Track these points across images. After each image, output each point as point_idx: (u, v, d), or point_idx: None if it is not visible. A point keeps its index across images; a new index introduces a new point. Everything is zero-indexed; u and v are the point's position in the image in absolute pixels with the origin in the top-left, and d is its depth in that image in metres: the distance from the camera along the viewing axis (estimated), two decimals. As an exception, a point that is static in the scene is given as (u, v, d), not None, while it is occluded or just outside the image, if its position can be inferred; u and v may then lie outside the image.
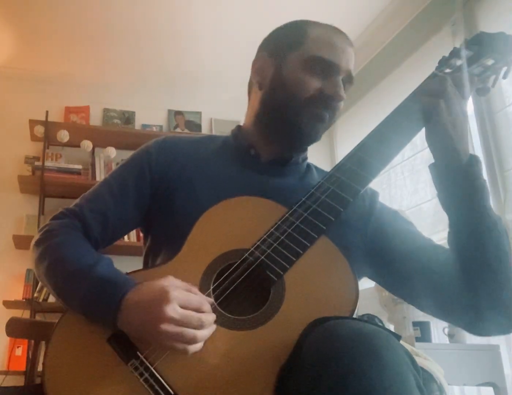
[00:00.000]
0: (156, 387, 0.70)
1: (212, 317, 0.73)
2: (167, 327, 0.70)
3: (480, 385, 1.86)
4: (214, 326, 0.73)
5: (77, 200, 0.97)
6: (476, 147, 2.26)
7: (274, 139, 0.99)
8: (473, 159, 0.85)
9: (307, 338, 0.65)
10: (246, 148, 1.00)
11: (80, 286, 0.79)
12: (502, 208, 2.09)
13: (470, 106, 2.30)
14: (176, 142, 1.03)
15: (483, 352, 1.86)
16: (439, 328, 2.22)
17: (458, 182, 0.84)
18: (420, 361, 1.42)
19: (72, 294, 0.80)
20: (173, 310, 0.70)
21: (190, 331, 0.70)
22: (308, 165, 1.06)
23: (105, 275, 0.79)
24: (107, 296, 0.76)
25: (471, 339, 2.11)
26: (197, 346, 0.71)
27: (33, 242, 0.91)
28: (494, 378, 1.80)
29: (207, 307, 0.73)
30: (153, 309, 0.71)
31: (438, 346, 1.97)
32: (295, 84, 0.93)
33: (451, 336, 1.96)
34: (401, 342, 0.66)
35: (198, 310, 0.72)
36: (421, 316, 1.98)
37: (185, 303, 0.72)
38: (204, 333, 0.71)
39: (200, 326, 0.70)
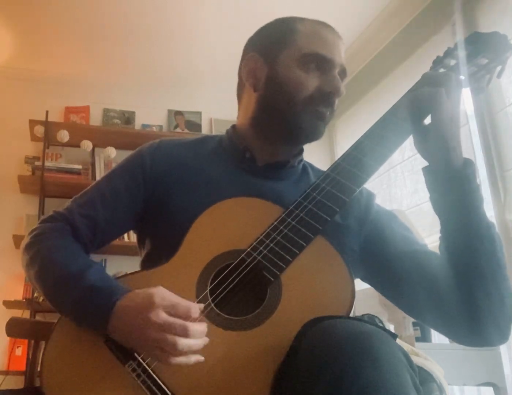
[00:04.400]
0: (154, 388, 0.70)
1: (202, 327, 0.71)
2: (151, 332, 0.70)
3: (480, 385, 1.86)
4: (205, 339, 0.71)
5: (68, 203, 0.96)
6: (476, 147, 2.25)
7: (274, 140, 0.98)
8: (468, 163, 0.84)
9: (304, 338, 0.65)
10: (242, 151, 0.99)
11: (70, 294, 0.79)
12: (502, 208, 2.09)
13: (470, 106, 2.30)
14: (171, 145, 1.01)
15: (483, 352, 1.86)
16: (439, 328, 2.22)
17: (453, 185, 0.83)
18: (420, 361, 1.42)
19: (63, 301, 0.80)
20: (156, 315, 0.70)
21: (172, 337, 0.69)
22: (304, 166, 1.05)
23: (95, 282, 0.78)
24: (97, 305, 0.76)
25: (471, 339, 2.11)
26: (182, 360, 0.69)
27: (23, 245, 0.90)
28: (494, 378, 1.80)
29: (195, 313, 0.71)
30: (138, 316, 0.71)
31: (438, 346, 1.96)
32: (293, 84, 0.91)
33: (451, 336, 1.96)
34: (400, 341, 0.66)
35: (185, 316, 0.71)
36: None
37: (171, 309, 0.71)
38: (188, 343, 0.69)
39: (184, 333, 0.69)
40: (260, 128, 0.98)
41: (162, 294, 0.73)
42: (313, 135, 0.95)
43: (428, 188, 0.87)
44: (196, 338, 0.70)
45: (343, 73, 0.95)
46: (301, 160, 1.04)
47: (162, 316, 0.70)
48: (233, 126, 1.04)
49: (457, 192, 0.82)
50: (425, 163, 0.87)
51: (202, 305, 0.75)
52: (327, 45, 0.92)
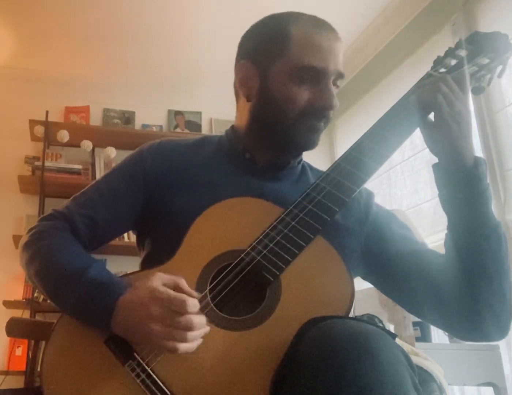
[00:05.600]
0: (153, 388, 0.70)
1: (201, 318, 0.71)
2: (155, 326, 0.70)
3: (480, 385, 1.86)
4: (206, 328, 0.72)
5: (67, 202, 0.96)
6: (476, 147, 2.25)
7: (269, 148, 0.97)
8: (479, 161, 0.83)
9: (303, 338, 0.65)
10: (241, 152, 0.99)
11: (72, 291, 0.79)
12: (502, 208, 2.09)
13: (470, 106, 2.29)
14: (171, 146, 1.01)
15: (483, 352, 1.86)
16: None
17: (461, 184, 0.82)
18: (420, 361, 1.42)
19: (65, 298, 0.80)
20: (159, 310, 0.70)
21: (179, 331, 0.69)
22: (303, 166, 1.05)
23: (97, 279, 0.79)
24: (100, 301, 0.76)
25: (471, 339, 2.11)
26: (188, 346, 0.70)
27: (21, 243, 0.90)
28: (494, 378, 1.80)
29: (191, 307, 0.71)
30: (142, 310, 0.72)
31: (438, 346, 1.96)
32: (284, 98, 0.89)
33: (451, 336, 1.96)
34: (400, 341, 0.66)
35: (183, 308, 0.70)
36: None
37: (169, 304, 0.71)
38: (194, 335, 0.70)
39: (190, 327, 0.69)
40: (255, 136, 0.97)
41: (161, 288, 0.72)
42: (306, 147, 0.95)
43: (437, 185, 0.87)
44: (198, 329, 0.71)
45: (339, 77, 0.93)
46: (300, 160, 1.04)
47: (164, 311, 0.70)
48: (232, 127, 1.03)
49: (466, 191, 0.82)
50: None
51: (195, 294, 0.74)
52: (321, 53, 0.89)
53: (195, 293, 0.75)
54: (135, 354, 0.73)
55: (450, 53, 0.93)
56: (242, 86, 0.96)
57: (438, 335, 2.24)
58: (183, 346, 0.70)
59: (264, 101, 0.93)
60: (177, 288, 0.74)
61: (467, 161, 0.82)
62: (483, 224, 0.82)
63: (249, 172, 0.97)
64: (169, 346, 0.70)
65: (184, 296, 0.71)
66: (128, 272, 0.86)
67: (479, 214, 0.82)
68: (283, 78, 0.90)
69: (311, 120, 0.91)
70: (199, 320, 0.71)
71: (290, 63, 0.89)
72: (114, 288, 0.77)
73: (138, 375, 0.71)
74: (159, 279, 0.74)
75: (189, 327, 0.70)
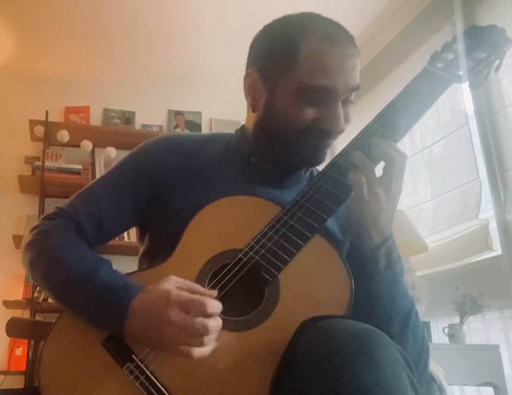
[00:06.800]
0: (152, 390, 0.70)
1: (217, 322, 0.71)
2: (171, 331, 0.69)
3: (480, 385, 1.87)
4: (219, 328, 0.71)
5: (71, 199, 0.94)
6: (476, 147, 2.26)
7: (273, 159, 0.95)
8: (379, 248, 0.80)
9: (301, 338, 0.65)
10: (247, 156, 0.97)
11: (83, 292, 0.78)
12: (502, 208, 2.09)
13: (470, 106, 2.30)
14: (177, 142, 0.98)
15: (483, 352, 1.86)
16: (439, 328, 2.22)
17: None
18: (420, 361, 1.42)
19: (74, 300, 0.79)
20: (176, 314, 0.69)
21: (194, 336, 0.68)
22: (311, 173, 1.02)
23: (108, 280, 0.78)
24: (113, 303, 0.75)
25: (471, 339, 2.11)
26: (203, 351, 0.69)
27: (25, 242, 0.89)
28: (494, 378, 1.80)
29: (211, 309, 0.70)
30: (156, 314, 0.71)
31: (438, 346, 1.96)
32: (288, 117, 0.87)
33: (451, 336, 1.96)
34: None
35: (201, 312, 0.70)
36: (420, 315, 1.98)
37: (187, 307, 0.70)
38: (211, 338, 0.70)
39: (205, 331, 0.69)
40: (260, 145, 0.95)
41: (177, 289, 0.72)
42: (310, 164, 0.93)
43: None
44: (214, 333, 0.70)
45: (353, 91, 0.88)
46: (309, 168, 1.00)
47: (182, 314, 0.70)
48: (243, 127, 1.01)
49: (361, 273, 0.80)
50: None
51: (215, 292, 0.74)
52: (330, 72, 0.84)
53: (215, 292, 0.74)
54: (133, 356, 0.73)
55: (447, 47, 0.92)
56: (248, 95, 0.94)
57: (438, 335, 2.24)
58: (197, 351, 0.69)
59: (270, 115, 0.90)
60: (191, 290, 0.73)
61: (368, 244, 0.80)
62: (382, 308, 0.79)
63: (254, 177, 0.95)
64: (184, 351, 0.69)
65: (202, 298, 0.71)
66: (127, 273, 0.86)
67: (370, 296, 0.79)
68: (289, 97, 0.86)
69: (314, 138, 0.88)
70: (214, 323, 0.70)
71: (296, 83, 0.85)
72: (126, 291, 0.76)
73: (136, 377, 0.71)
74: (173, 283, 0.74)
75: (205, 331, 0.69)
